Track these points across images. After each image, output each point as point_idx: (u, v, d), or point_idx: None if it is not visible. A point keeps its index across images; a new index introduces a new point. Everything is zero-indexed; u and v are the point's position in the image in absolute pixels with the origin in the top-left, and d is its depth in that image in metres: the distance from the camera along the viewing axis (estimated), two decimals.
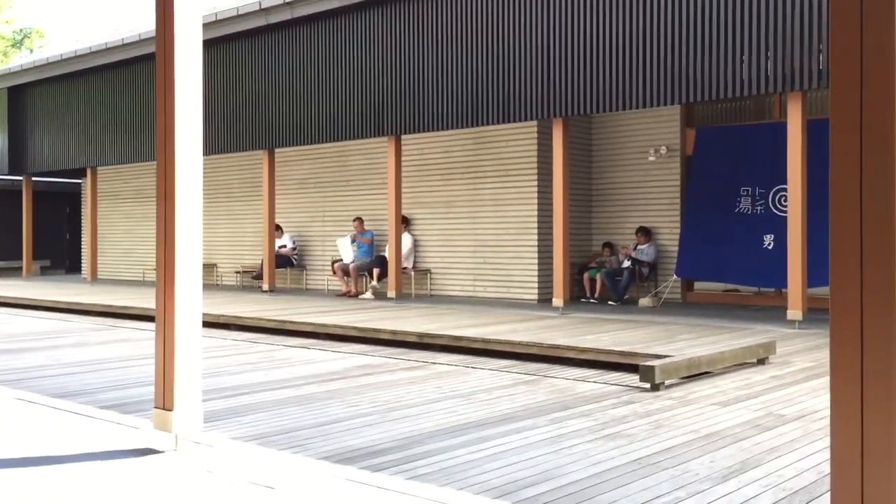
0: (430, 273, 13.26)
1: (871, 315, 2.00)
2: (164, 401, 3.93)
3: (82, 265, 19.62)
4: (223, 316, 9.67)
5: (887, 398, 1.97)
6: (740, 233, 10.79)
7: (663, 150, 11.97)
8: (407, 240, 13.09)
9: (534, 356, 6.97)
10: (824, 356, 6.66)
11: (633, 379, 5.73)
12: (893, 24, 2.05)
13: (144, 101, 15.58)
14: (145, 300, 11.09)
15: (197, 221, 4.03)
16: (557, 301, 10.42)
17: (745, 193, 10.88)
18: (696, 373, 5.88)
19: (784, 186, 9.30)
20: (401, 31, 11.89)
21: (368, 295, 12.82)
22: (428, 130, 11.84)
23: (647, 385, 5.45)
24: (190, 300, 3.97)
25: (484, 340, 7.42)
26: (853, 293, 2.02)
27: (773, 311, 9.80)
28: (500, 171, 12.45)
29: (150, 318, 8.47)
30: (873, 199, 2.01)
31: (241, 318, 9.60)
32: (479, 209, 12.70)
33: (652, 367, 5.46)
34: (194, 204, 4.01)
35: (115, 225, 18.75)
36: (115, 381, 5.96)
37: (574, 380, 5.94)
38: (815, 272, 8.78)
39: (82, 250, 19.64)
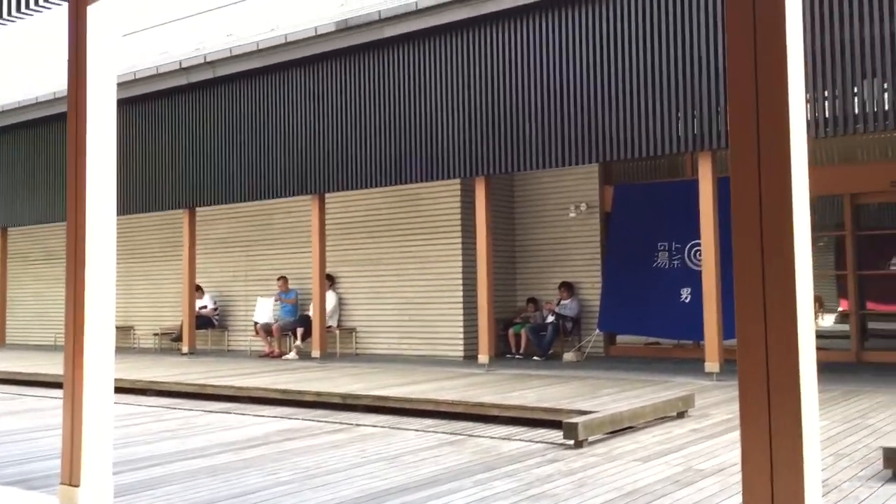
0: (356, 331, 13.12)
1: (775, 366, 2.06)
2: (71, 476, 3.73)
3: None
4: (140, 381, 9.33)
5: (794, 455, 2.01)
6: (658, 287, 11.06)
7: (583, 207, 12.25)
8: (331, 298, 12.95)
9: (459, 414, 6.92)
10: None
11: (557, 435, 5.74)
12: (786, 87, 2.16)
13: (57, 160, 15.15)
14: (55, 366, 10.61)
15: (109, 284, 3.89)
16: (483, 357, 10.43)
17: (662, 248, 11.19)
18: (618, 428, 5.93)
19: (699, 241, 9.60)
20: (323, 89, 11.94)
21: (292, 355, 12.59)
22: (352, 189, 11.84)
23: (571, 442, 5.46)
24: (101, 367, 3.80)
25: (409, 400, 7.35)
26: (759, 354, 2.08)
27: (692, 363, 10.01)
28: (425, 229, 12.51)
29: (59, 385, 8.10)
30: (772, 236, 2.08)
31: (158, 382, 9.27)
32: (405, 267, 12.69)
33: (575, 424, 5.48)
34: (106, 266, 3.88)
35: (24, 287, 18.01)
36: (20, 455, 5.65)
37: (499, 438, 5.91)
38: (731, 324, 9.03)
39: None
